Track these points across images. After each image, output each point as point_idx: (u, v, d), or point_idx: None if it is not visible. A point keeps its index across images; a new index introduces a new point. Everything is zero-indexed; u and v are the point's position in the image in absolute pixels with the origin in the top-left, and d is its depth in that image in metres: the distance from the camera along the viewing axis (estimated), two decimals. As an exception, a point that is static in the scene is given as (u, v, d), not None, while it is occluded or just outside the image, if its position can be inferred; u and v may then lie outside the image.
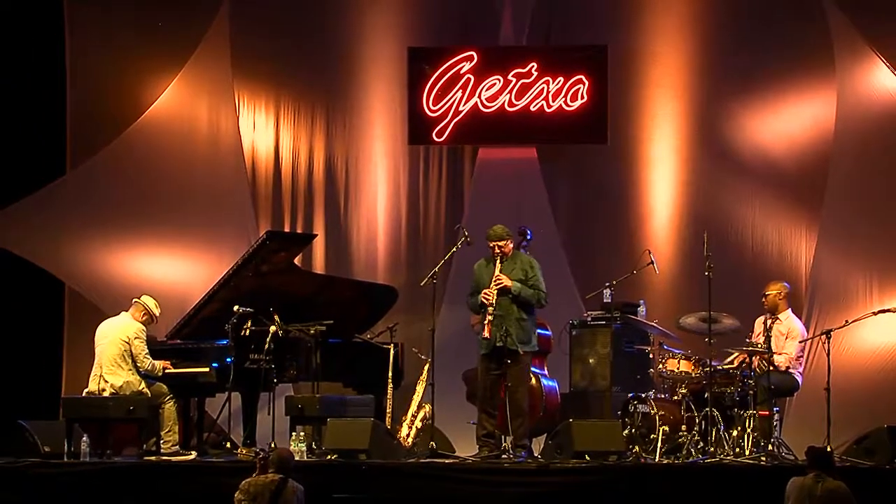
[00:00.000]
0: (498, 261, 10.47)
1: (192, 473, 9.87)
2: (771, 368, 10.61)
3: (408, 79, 13.73)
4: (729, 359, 10.80)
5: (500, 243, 10.51)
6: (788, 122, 13.34)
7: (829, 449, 9.39)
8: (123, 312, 10.96)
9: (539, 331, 10.92)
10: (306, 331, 10.94)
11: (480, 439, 10.49)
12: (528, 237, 11.29)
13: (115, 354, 10.68)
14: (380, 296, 11.85)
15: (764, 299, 11.01)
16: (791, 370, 10.84)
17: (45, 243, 13.13)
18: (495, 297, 10.35)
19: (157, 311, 10.96)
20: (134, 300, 10.97)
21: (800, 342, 10.93)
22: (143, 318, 10.88)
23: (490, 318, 10.33)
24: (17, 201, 13.07)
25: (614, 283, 11.29)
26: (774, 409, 10.60)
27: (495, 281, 10.40)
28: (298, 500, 8.09)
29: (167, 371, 10.82)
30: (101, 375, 10.68)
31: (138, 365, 10.70)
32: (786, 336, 10.86)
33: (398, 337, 11.37)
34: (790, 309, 11.08)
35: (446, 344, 11.97)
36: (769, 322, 10.77)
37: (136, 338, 10.73)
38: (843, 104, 12.95)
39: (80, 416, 10.65)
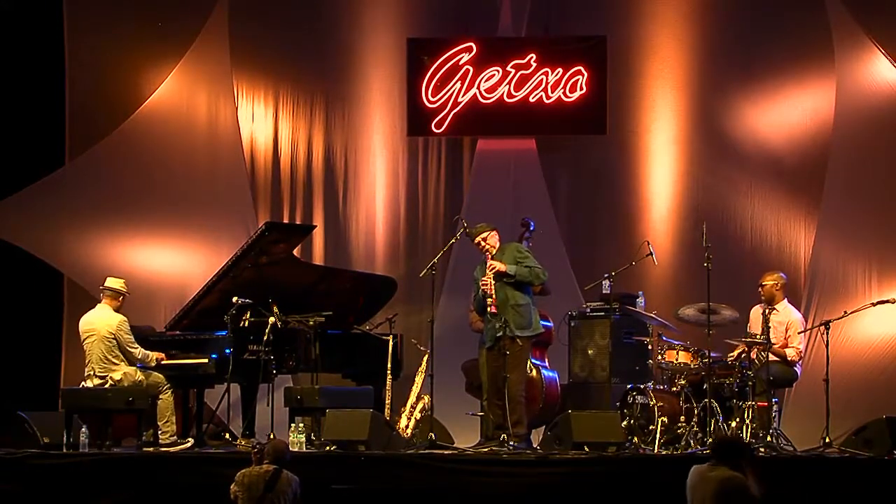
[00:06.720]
0: (488, 255, 10.53)
1: (191, 464, 9.86)
2: (773, 359, 10.61)
3: (407, 70, 13.71)
4: (735, 352, 10.79)
5: (482, 236, 10.57)
6: (788, 113, 13.33)
7: (746, 440, 9.34)
8: (99, 304, 10.86)
9: (541, 322, 10.92)
10: (305, 322, 10.93)
11: (494, 432, 10.42)
12: (531, 228, 11.32)
13: (106, 350, 10.61)
14: (379, 287, 11.84)
15: (761, 289, 11.00)
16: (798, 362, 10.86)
17: (43, 234, 13.13)
18: (493, 284, 10.38)
19: (124, 289, 10.82)
20: (100, 288, 10.86)
21: (799, 332, 10.94)
22: (119, 303, 10.79)
23: (490, 300, 10.36)
24: (16, 192, 13.08)
25: (613, 274, 11.26)
26: (773, 400, 10.59)
27: (489, 268, 10.44)
28: (293, 490, 8.08)
29: (165, 362, 10.80)
30: (94, 374, 10.65)
31: (129, 357, 10.66)
32: (786, 327, 10.86)
33: (397, 328, 11.37)
34: (787, 299, 11.08)
35: (445, 335, 11.97)
36: (767, 313, 10.77)
37: (119, 330, 10.65)
38: (843, 95, 12.94)
39: (80, 408, 10.63)
